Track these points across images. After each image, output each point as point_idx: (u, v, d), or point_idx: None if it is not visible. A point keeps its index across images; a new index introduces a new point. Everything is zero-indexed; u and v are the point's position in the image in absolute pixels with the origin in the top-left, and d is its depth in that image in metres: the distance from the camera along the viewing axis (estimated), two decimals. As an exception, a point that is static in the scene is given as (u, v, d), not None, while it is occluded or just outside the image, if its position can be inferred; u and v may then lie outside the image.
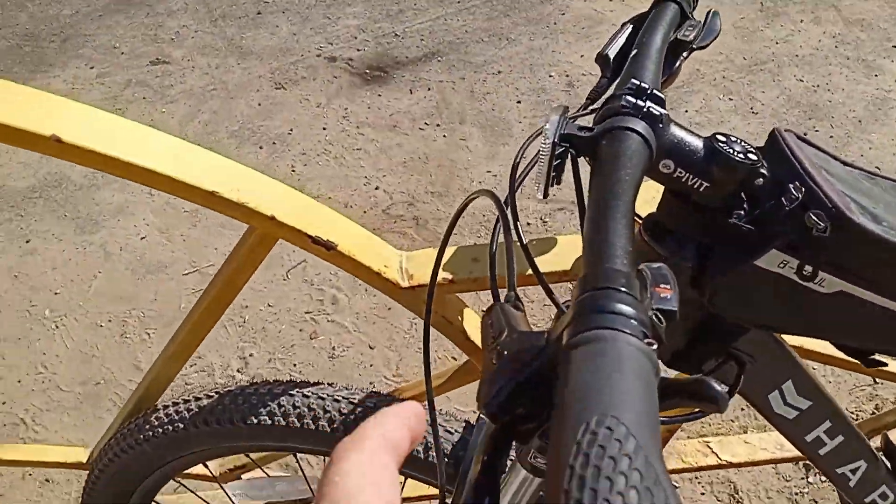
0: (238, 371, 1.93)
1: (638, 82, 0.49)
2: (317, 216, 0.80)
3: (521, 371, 0.33)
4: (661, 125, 0.48)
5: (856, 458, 0.77)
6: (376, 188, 2.41)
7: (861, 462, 0.78)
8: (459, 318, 0.90)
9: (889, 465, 0.83)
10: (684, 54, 0.66)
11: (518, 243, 0.51)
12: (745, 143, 0.49)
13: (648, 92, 0.48)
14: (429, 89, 2.82)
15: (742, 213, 0.50)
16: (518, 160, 0.59)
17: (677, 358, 0.60)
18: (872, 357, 0.60)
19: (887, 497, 0.82)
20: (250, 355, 1.96)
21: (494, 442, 0.32)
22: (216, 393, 0.90)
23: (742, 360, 0.60)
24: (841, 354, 0.61)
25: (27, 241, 2.31)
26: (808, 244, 0.48)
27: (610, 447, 0.24)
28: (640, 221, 0.57)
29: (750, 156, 0.48)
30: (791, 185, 0.48)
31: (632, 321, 0.30)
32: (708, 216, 0.51)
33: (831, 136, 2.51)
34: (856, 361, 0.60)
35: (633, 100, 0.48)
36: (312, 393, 0.88)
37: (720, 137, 0.49)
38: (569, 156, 0.49)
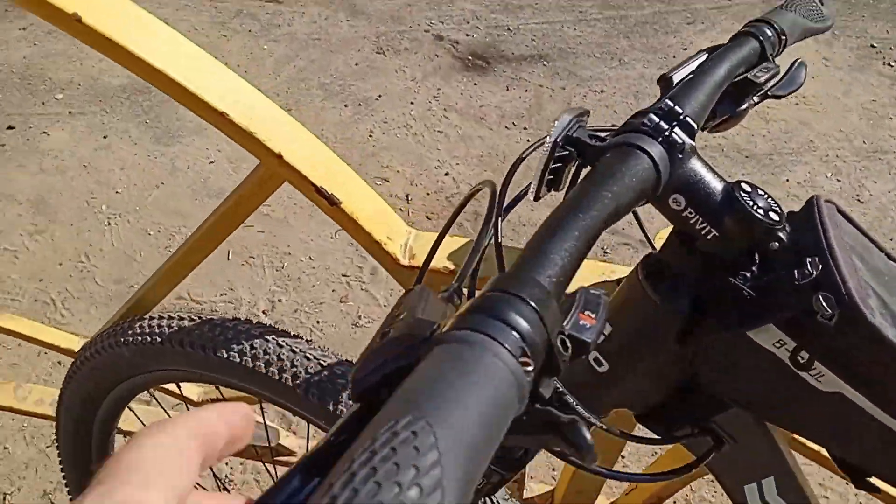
0: (263, 312, 1.95)
1: (671, 105, 0.45)
2: (330, 169, 0.78)
3: (396, 357, 0.30)
4: (680, 155, 0.44)
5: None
6: (446, 174, 2.39)
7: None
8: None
9: None
10: (755, 98, 0.61)
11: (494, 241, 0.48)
12: (772, 200, 0.45)
13: (680, 117, 0.44)
14: (526, 90, 2.78)
15: (748, 274, 0.45)
16: (525, 155, 0.55)
17: (649, 415, 0.55)
18: (866, 479, 0.53)
19: None
20: (279, 300, 1.98)
21: (353, 421, 0.29)
22: (199, 318, 0.89)
23: (720, 440, 0.54)
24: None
25: (104, 137, 2.39)
26: (811, 329, 0.43)
27: (401, 452, 0.21)
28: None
29: (772, 215, 0.43)
30: (808, 260, 0.43)
31: (513, 334, 0.27)
32: (710, 268, 0.47)
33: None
34: (845, 476, 0.53)
35: (657, 120, 0.44)
36: (286, 344, 0.86)
37: (745, 186, 0.44)
38: (573, 165, 0.45)
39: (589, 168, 0.44)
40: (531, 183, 0.54)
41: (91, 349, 0.96)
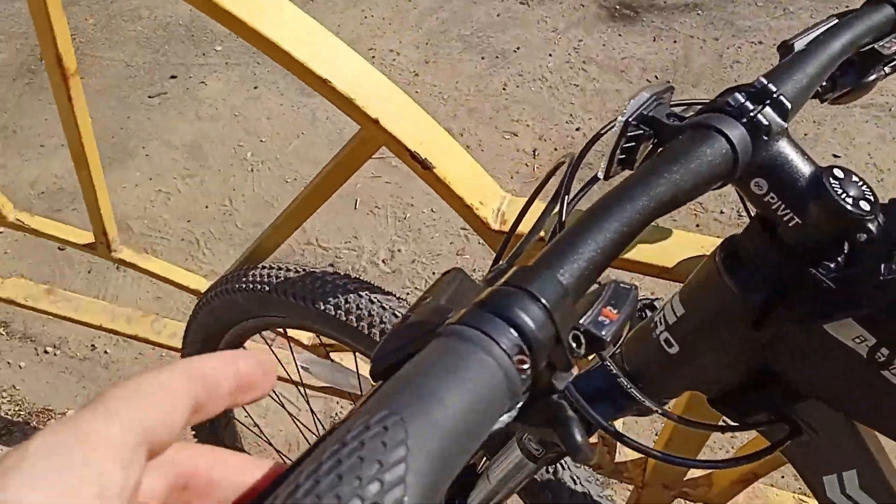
0: (383, 261, 2.02)
1: (765, 82, 0.42)
2: (425, 132, 0.80)
3: (408, 343, 0.30)
4: (766, 137, 0.41)
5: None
6: (577, 129, 2.32)
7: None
8: None
9: None
10: (885, 69, 0.56)
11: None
12: (866, 187, 0.41)
13: (773, 96, 0.41)
14: (674, 41, 2.62)
15: (831, 265, 0.43)
16: (604, 131, 0.53)
17: (723, 400, 0.53)
18: None
19: None
20: (398, 250, 2.04)
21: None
22: (303, 270, 0.95)
23: (798, 430, 0.51)
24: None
25: (255, 88, 2.54)
26: (893, 325, 0.41)
27: (368, 446, 0.22)
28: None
29: (862, 204, 0.40)
30: None
31: (510, 332, 0.27)
32: (790, 256, 0.44)
33: None
34: None
35: (743, 100, 0.41)
36: (378, 300, 0.90)
37: (837, 173, 0.41)
38: (650, 143, 0.43)
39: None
40: (587, 149, 0.52)
41: (211, 293, 1.05)
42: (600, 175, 0.45)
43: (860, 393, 0.45)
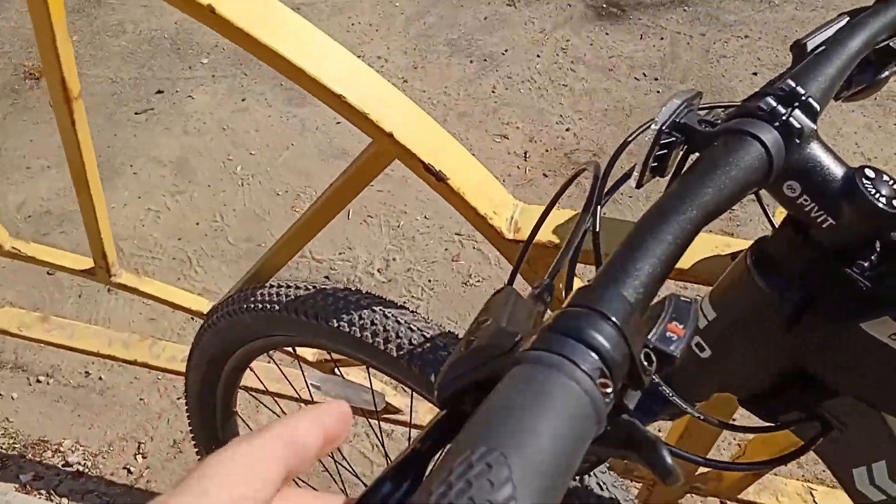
0: (378, 271, 2.00)
1: (793, 85, 0.42)
2: (437, 144, 0.80)
3: (476, 368, 0.31)
4: (798, 140, 0.41)
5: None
6: (567, 129, 2.31)
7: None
8: (560, 286, 0.89)
9: None
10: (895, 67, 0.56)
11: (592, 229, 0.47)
12: None
13: (802, 99, 0.42)
14: (661, 38, 2.61)
15: (865, 264, 0.43)
16: (630, 139, 0.53)
17: (754, 400, 0.53)
18: None
19: None
20: (393, 259, 2.02)
21: (437, 428, 0.30)
22: (313, 287, 0.94)
23: (829, 425, 0.52)
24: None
25: (243, 100, 2.52)
26: None
27: (477, 486, 0.22)
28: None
29: (895, 203, 0.41)
30: None
31: (591, 355, 0.27)
32: (824, 257, 0.44)
33: None
34: None
35: (774, 104, 0.41)
36: (392, 315, 0.89)
37: (869, 173, 0.42)
38: (681, 150, 0.43)
39: (696, 155, 0.43)
40: (634, 166, 0.52)
41: (217, 313, 1.03)
42: (632, 183, 0.45)
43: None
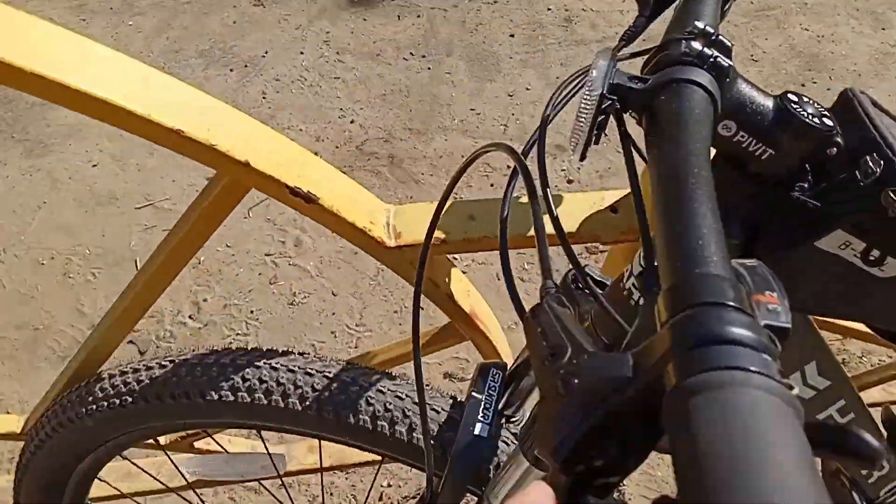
0: (190, 317, 1.78)
1: (702, 26, 0.42)
2: (297, 163, 0.70)
3: (597, 409, 0.27)
4: (727, 80, 0.41)
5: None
6: (351, 121, 2.21)
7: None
8: (446, 280, 0.81)
9: (887, 436, 0.81)
10: None
11: (547, 212, 0.45)
12: (817, 104, 0.43)
13: (714, 38, 0.42)
14: (418, 16, 2.59)
15: (805, 185, 0.44)
16: (549, 112, 0.51)
17: None
18: None
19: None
20: (204, 300, 1.80)
21: (566, 499, 0.27)
22: (170, 362, 0.77)
23: None
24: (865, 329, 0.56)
25: (-33, 164, 2.13)
26: (881, 225, 0.42)
27: None
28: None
29: (826, 121, 0.42)
30: (868, 157, 0.41)
31: (761, 355, 0.24)
32: (765, 188, 0.45)
33: (829, 89, 2.33)
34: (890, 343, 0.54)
35: (698, 47, 0.40)
36: (282, 365, 0.76)
37: (792, 97, 0.42)
38: (612, 112, 0.42)
39: (636, 116, 0.41)
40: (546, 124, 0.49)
41: (45, 429, 0.82)
42: (576, 157, 0.43)
43: (845, 293, 0.47)
